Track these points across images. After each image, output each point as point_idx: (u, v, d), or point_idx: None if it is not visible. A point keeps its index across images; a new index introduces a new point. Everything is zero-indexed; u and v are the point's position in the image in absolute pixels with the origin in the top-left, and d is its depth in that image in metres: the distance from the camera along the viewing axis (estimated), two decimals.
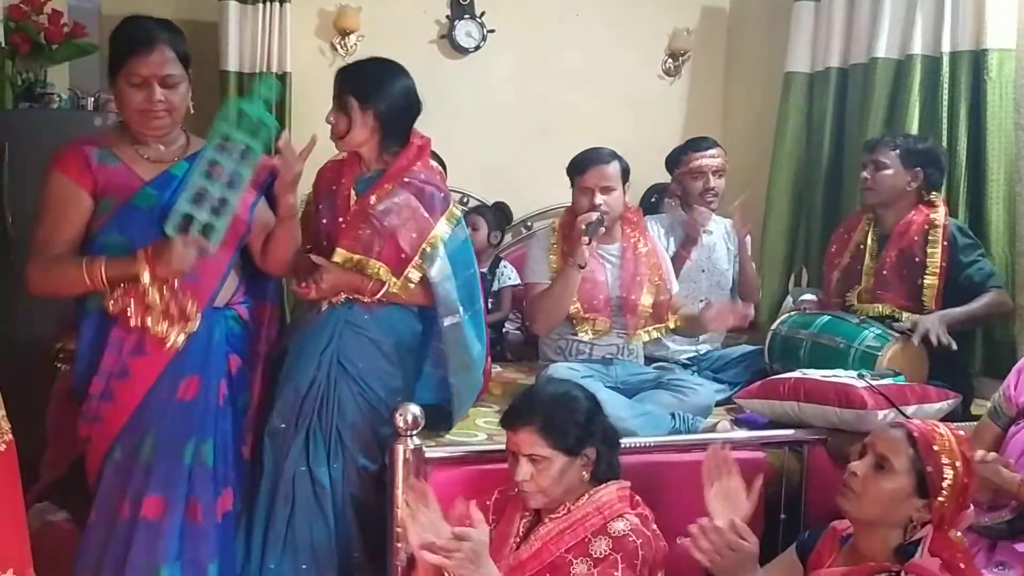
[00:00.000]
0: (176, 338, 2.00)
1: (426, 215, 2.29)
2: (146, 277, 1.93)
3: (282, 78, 3.54)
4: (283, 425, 2.24)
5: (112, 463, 2.03)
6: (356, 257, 2.24)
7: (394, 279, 2.24)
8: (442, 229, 2.31)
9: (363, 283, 2.26)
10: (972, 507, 1.84)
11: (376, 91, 2.27)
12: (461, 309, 2.31)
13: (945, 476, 1.71)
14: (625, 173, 2.82)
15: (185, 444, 2.04)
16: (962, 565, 1.68)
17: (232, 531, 2.16)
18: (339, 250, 2.23)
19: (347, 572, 2.24)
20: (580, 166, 2.81)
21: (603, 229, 2.73)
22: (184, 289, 2.00)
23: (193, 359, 2.05)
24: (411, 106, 2.35)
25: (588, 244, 2.67)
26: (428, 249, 2.27)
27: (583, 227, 2.67)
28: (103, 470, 2.03)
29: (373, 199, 2.26)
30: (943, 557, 1.66)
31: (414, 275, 2.25)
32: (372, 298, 2.26)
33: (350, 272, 2.25)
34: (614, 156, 2.81)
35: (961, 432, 1.81)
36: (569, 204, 2.91)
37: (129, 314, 1.96)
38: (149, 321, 1.97)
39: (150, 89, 1.98)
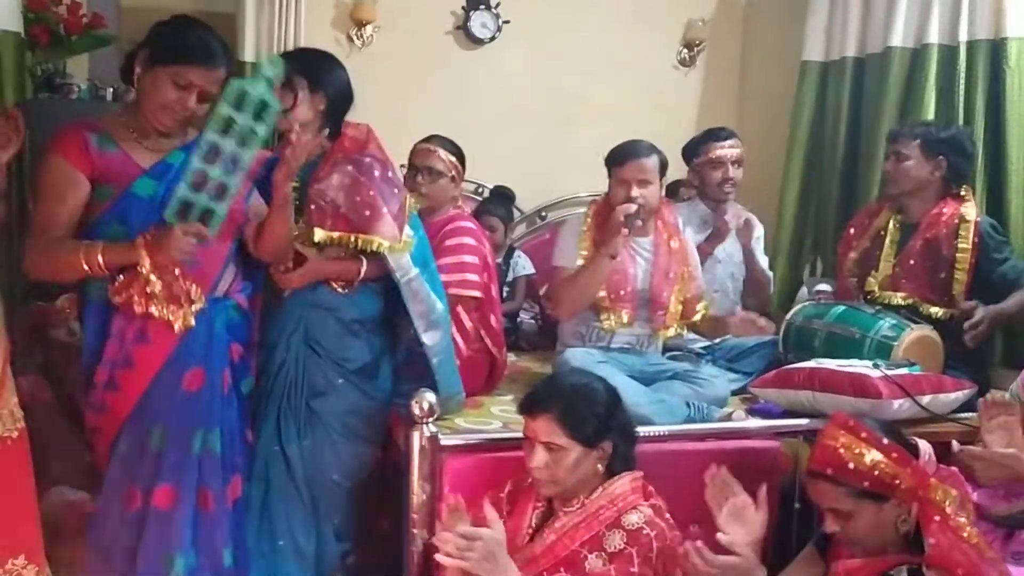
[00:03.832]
0: (187, 320, 2.00)
1: (399, 183, 2.41)
2: (146, 264, 1.93)
3: None
4: (256, 408, 2.32)
5: (119, 453, 2.03)
6: (338, 235, 2.27)
7: (392, 243, 2.30)
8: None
9: (346, 268, 2.33)
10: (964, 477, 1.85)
11: (326, 77, 2.34)
12: (413, 267, 2.37)
13: (879, 471, 1.69)
14: (663, 167, 2.81)
15: (193, 434, 2.05)
16: (965, 531, 1.67)
17: (243, 517, 2.20)
18: (318, 230, 2.26)
19: (326, 547, 2.31)
20: (618, 158, 2.79)
21: (640, 222, 2.73)
22: (186, 276, 2.00)
23: (196, 351, 2.06)
24: (351, 97, 2.40)
25: (626, 236, 2.67)
26: (410, 212, 2.40)
27: (622, 218, 2.65)
28: (111, 459, 2.04)
29: (342, 175, 2.30)
30: (940, 539, 1.64)
31: (408, 233, 2.34)
32: (357, 280, 2.34)
33: (332, 261, 2.32)
34: (653, 150, 2.79)
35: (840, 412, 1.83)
36: (590, 194, 2.91)
37: (135, 303, 1.96)
38: (153, 308, 1.97)
39: (189, 95, 1.98)
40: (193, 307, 2.02)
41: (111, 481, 2.04)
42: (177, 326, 2.00)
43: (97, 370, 2.01)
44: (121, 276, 1.97)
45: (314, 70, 2.32)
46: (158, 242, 1.92)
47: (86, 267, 1.92)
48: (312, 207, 2.27)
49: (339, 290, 2.35)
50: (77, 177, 1.98)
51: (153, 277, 1.94)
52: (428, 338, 2.38)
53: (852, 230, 3.05)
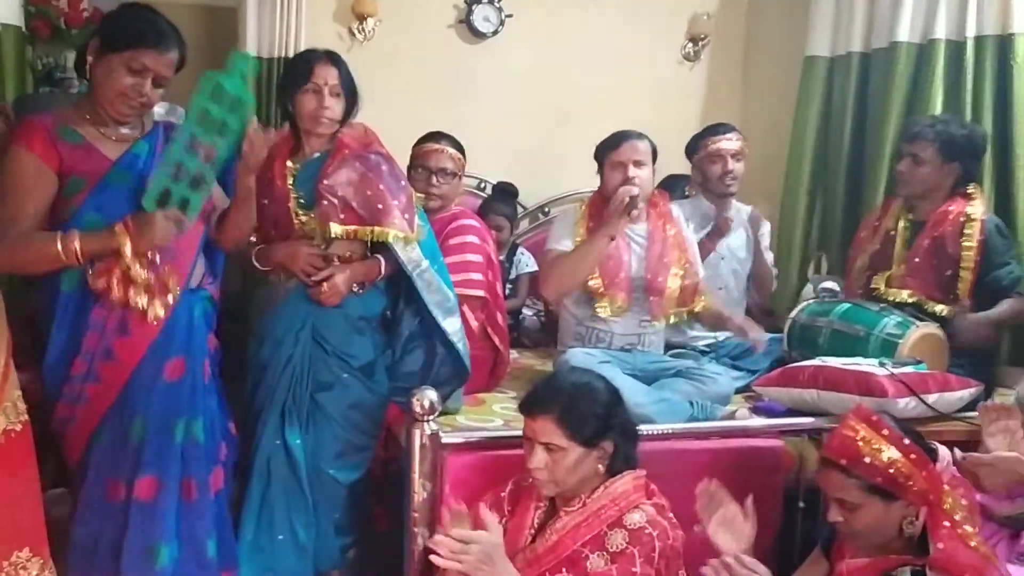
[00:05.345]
0: (157, 311, 2.00)
1: (404, 177, 2.47)
2: (128, 250, 1.92)
3: None
4: (261, 404, 2.33)
5: (99, 445, 2.02)
6: (352, 228, 2.31)
7: (405, 234, 2.35)
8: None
9: (371, 268, 2.38)
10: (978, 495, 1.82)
11: (352, 82, 2.39)
12: (424, 258, 2.42)
13: (895, 469, 1.67)
14: (654, 153, 2.82)
15: (175, 424, 2.05)
16: (972, 541, 1.65)
17: (225, 508, 2.19)
18: (333, 225, 2.29)
19: (326, 541, 2.34)
20: (613, 142, 2.81)
21: (642, 205, 2.74)
22: (164, 264, 2.01)
23: (177, 341, 2.05)
24: None
25: (629, 217, 2.69)
26: (419, 206, 2.47)
27: (625, 199, 2.66)
28: (89, 451, 2.03)
29: (350, 171, 2.33)
30: (948, 544, 1.63)
31: (418, 224, 2.40)
32: (379, 278, 2.39)
33: (359, 263, 2.37)
34: (644, 136, 2.82)
35: (863, 404, 1.80)
36: (593, 190, 2.90)
37: (114, 289, 1.95)
38: (131, 294, 1.96)
39: (144, 80, 1.99)
40: (168, 297, 2.02)
41: (93, 472, 2.02)
42: (150, 316, 1.99)
43: (75, 362, 1.99)
44: (101, 263, 1.96)
45: (348, 77, 2.38)
46: (139, 228, 1.93)
47: (64, 257, 1.91)
48: (323, 203, 2.30)
49: (355, 290, 2.37)
50: (45, 171, 1.96)
51: (135, 263, 1.94)
52: (449, 325, 2.43)
53: (863, 232, 3.04)
